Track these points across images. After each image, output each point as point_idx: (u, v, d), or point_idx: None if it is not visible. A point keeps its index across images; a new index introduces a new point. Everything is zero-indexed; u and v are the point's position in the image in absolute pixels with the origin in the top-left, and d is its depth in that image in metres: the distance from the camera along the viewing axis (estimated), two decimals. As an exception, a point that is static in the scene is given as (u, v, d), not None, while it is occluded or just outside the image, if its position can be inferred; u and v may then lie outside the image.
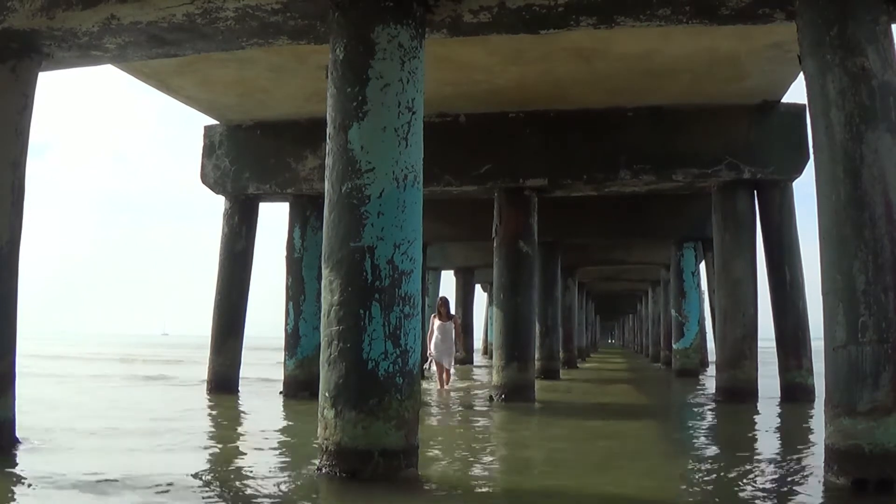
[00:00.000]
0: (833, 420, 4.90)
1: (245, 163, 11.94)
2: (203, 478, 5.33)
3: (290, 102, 10.85)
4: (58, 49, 6.32)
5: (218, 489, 4.95)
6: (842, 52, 5.01)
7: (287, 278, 11.96)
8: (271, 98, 10.78)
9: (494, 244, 11.65)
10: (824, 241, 5.06)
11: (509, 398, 10.96)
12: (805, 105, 5.49)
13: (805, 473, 5.55)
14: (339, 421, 4.98)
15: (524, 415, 10.04)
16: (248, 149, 11.94)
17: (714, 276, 13.02)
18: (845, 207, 4.94)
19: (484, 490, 5.21)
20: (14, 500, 4.65)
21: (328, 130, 5.36)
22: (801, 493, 4.97)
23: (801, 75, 5.38)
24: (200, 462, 5.97)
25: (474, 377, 17.90)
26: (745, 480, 5.39)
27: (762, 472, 5.76)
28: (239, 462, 6.22)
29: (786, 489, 5.09)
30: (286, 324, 11.87)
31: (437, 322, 13.21)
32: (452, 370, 14.16)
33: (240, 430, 8.60)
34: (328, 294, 5.19)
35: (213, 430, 8.47)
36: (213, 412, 10.12)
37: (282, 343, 12.06)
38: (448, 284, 28.02)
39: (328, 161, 5.33)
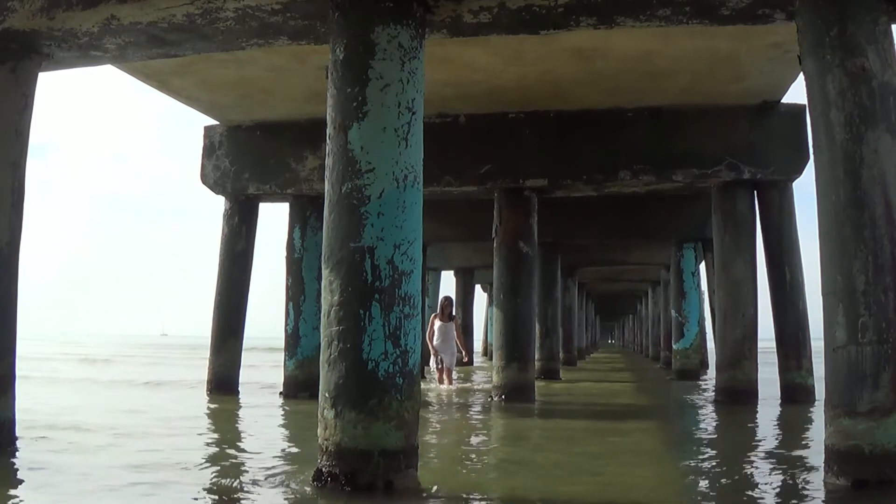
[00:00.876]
0: (833, 420, 4.90)
1: (245, 163, 11.94)
2: (202, 478, 5.33)
3: (290, 103, 10.85)
4: (58, 49, 6.32)
5: (216, 490, 4.95)
6: (842, 53, 5.01)
7: (287, 279, 11.97)
8: (271, 98, 10.78)
9: (494, 245, 11.65)
10: (824, 241, 5.06)
11: (509, 399, 10.95)
12: (805, 105, 5.49)
13: (805, 474, 5.54)
14: (339, 421, 4.98)
15: (524, 415, 10.04)
16: (248, 149, 11.94)
17: (714, 277, 13.02)
18: (845, 208, 4.94)
19: (484, 492, 5.21)
20: (14, 500, 4.65)
21: (328, 131, 5.36)
22: (800, 493, 4.97)
23: (801, 76, 5.38)
24: (199, 463, 5.96)
25: (474, 378, 17.89)
26: (744, 481, 5.39)
27: (762, 472, 5.76)
28: (238, 463, 6.22)
29: (785, 490, 5.09)
30: (286, 324, 11.87)
31: (437, 322, 13.14)
32: (455, 372, 14.06)
33: (239, 430, 8.60)
34: (328, 294, 5.18)
35: (212, 430, 8.47)
36: (213, 413, 10.12)
37: (282, 343, 12.07)
38: (448, 285, 28.05)
39: (328, 161, 5.33)
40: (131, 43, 6.22)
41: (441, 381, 13.30)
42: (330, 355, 5.10)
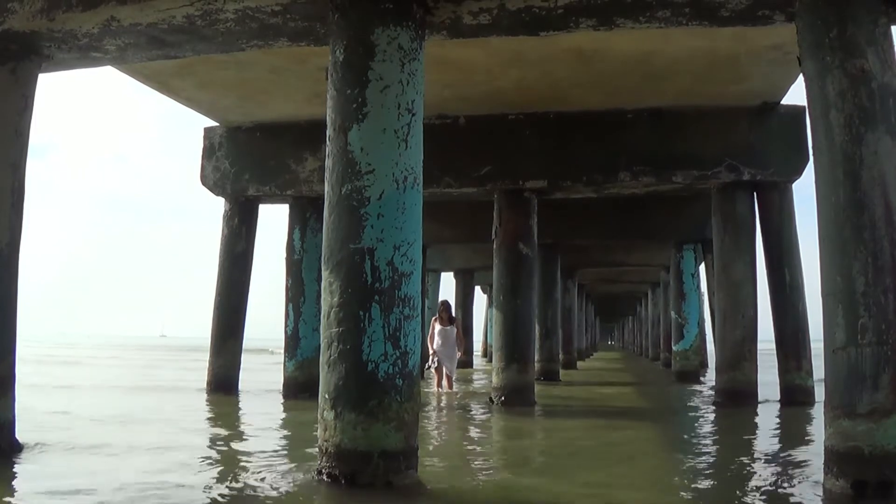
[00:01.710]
0: (833, 422, 4.90)
1: (245, 164, 11.95)
2: (200, 480, 5.32)
3: (290, 104, 10.86)
4: (58, 50, 6.33)
5: (215, 492, 4.95)
6: (841, 54, 5.01)
7: (287, 280, 11.97)
8: (271, 100, 10.78)
9: (494, 246, 11.65)
10: (824, 242, 5.06)
11: (509, 400, 10.94)
12: (805, 107, 5.49)
13: (804, 475, 5.54)
14: (339, 422, 4.98)
15: (524, 417, 10.03)
16: (248, 150, 11.95)
17: (714, 278, 13.00)
18: (845, 209, 4.94)
19: (484, 493, 5.21)
20: (14, 500, 4.65)
21: (328, 132, 5.36)
22: (800, 494, 4.97)
23: (801, 77, 5.38)
24: (198, 464, 5.96)
25: (474, 379, 17.88)
26: (744, 482, 5.39)
27: (761, 473, 5.76)
28: (237, 464, 6.21)
29: (785, 491, 5.09)
30: (286, 325, 11.87)
31: (437, 326, 12.82)
32: (455, 376, 13.70)
33: (238, 432, 8.59)
34: (328, 296, 5.19)
35: (210, 431, 8.46)
36: (213, 413, 10.12)
37: (281, 345, 12.07)
38: (448, 286, 28.04)
39: (328, 163, 5.34)
40: (131, 44, 6.23)
41: (439, 384, 12.92)
42: (330, 356, 5.10)
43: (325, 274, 5.26)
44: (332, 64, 5.36)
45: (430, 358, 12.82)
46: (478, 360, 28.28)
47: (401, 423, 5.01)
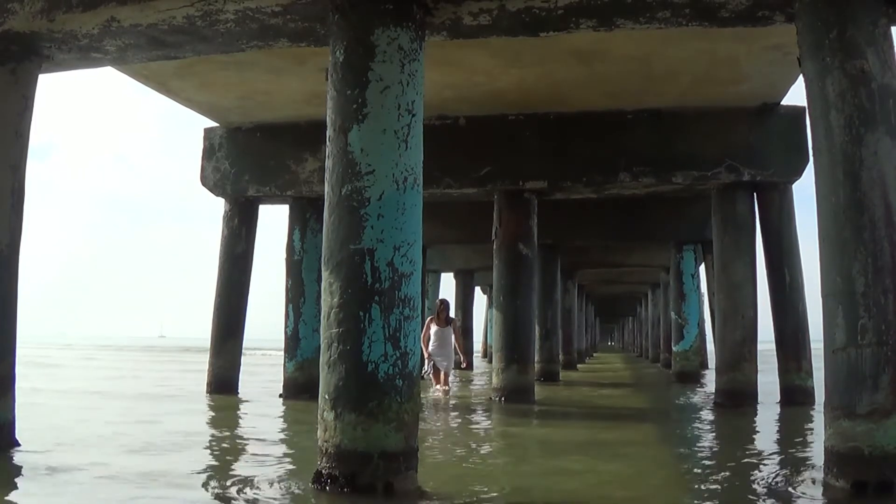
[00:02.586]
0: (832, 422, 4.90)
1: (245, 165, 11.96)
2: (199, 481, 5.32)
3: (290, 105, 10.86)
4: (58, 51, 6.33)
5: (215, 493, 4.94)
6: (841, 55, 5.01)
7: (287, 280, 11.97)
8: (271, 100, 10.78)
9: (494, 246, 11.66)
10: (824, 243, 5.06)
11: (509, 400, 10.95)
12: (804, 107, 5.49)
13: (804, 476, 5.54)
14: (339, 423, 4.97)
15: (524, 417, 10.03)
16: (248, 151, 11.95)
17: (714, 279, 13.01)
18: (845, 210, 4.94)
19: (483, 494, 5.20)
20: (14, 501, 4.65)
21: (328, 133, 5.36)
22: (800, 495, 4.96)
23: (801, 78, 5.38)
24: (197, 465, 5.95)
25: (473, 380, 17.88)
26: (744, 482, 5.39)
27: (761, 474, 5.75)
28: (238, 464, 6.21)
29: (785, 491, 5.09)
30: (286, 326, 11.87)
31: (434, 327, 12.32)
32: (452, 377, 13.34)
33: (238, 432, 8.59)
34: (328, 296, 5.18)
35: (211, 432, 8.46)
36: (212, 414, 10.12)
37: (281, 345, 12.07)
38: (448, 287, 28.03)
39: (328, 163, 5.33)
40: (131, 45, 6.23)
41: (437, 382, 12.50)
42: (330, 357, 5.10)
43: (324, 274, 5.26)
44: (332, 64, 5.36)
45: (426, 363, 12.11)
46: (478, 361, 28.28)
47: (401, 423, 5.01)
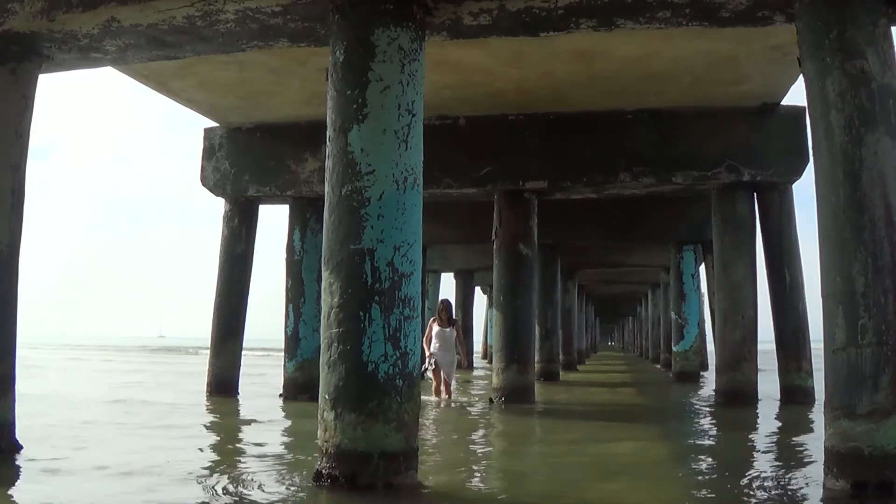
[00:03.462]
0: (832, 422, 4.90)
1: (245, 165, 11.96)
2: (199, 481, 5.32)
3: (290, 105, 10.86)
4: (58, 51, 6.33)
5: (215, 493, 4.94)
6: (841, 55, 5.01)
7: (287, 280, 11.97)
8: (271, 100, 10.78)
9: (494, 246, 11.65)
10: (824, 243, 5.06)
11: (509, 401, 10.95)
12: (805, 107, 5.49)
13: (804, 476, 5.54)
14: (339, 423, 4.98)
15: (524, 417, 10.03)
16: (248, 151, 11.95)
17: (714, 279, 13.01)
18: (845, 210, 4.94)
19: (483, 494, 5.21)
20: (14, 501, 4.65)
21: (328, 133, 5.36)
22: (800, 495, 4.96)
23: (801, 78, 5.38)
24: (197, 465, 5.95)
25: (473, 380, 17.88)
26: (743, 483, 5.39)
27: (761, 474, 5.75)
28: (238, 465, 6.21)
29: (785, 492, 5.09)
30: (286, 326, 11.87)
31: (436, 328, 11.70)
32: (454, 383, 12.39)
33: (238, 432, 8.59)
34: (328, 296, 5.19)
35: (210, 433, 8.46)
36: (212, 414, 10.11)
37: (281, 345, 12.06)
38: (448, 287, 28.04)
39: (328, 163, 5.34)
40: (131, 45, 6.23)
41: (437, 393, 11.61)
42: (330, 357, 5.10)
43: (325, 274, 5.26)
44: (333, 65, 5.36)
45: (427, 360, 11.49)
46: (478, 361, 28.28)
47: (401, 423, 5.01)
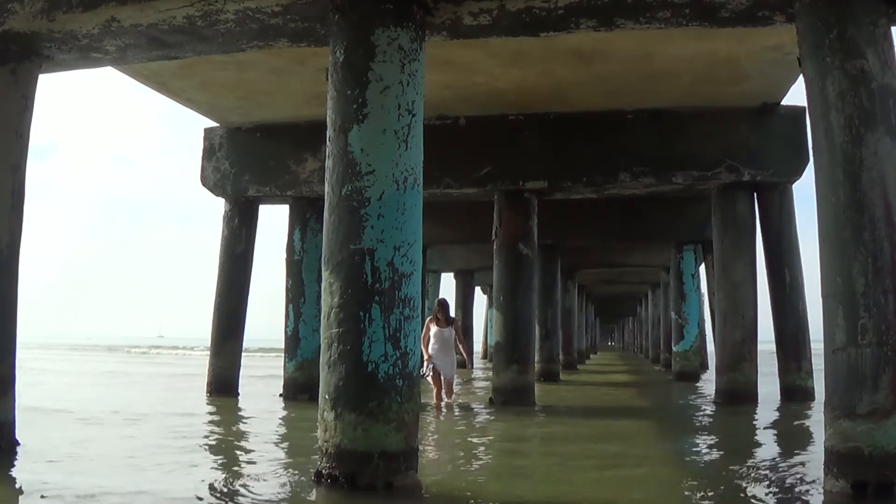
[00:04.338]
0: (832, 422, 4.90)
1: (245, 165, 11.96)
2: (199, 482, 5.32)
3: (290, 105, 10.86)
4: (58, 51, 6.33)
5: (215, 493, 4.94)
6: (841, 55, 5.01)
7: (287, 280, 11.98)
8: (271, 100, 10.78)
9: (494, 246, 11.65)
10: (824, 243, 5.06)
11: (509, 401, 10.94)
12: (805, 107, 5.49)
13: (804, 476, 5.54)
14: (339, 423, 4.98)
15: (524, 418, 10.02)
16: (248, 151, 11.95)
17: (714, 279, 13.02)
18: (845, 210, 4.94)
19: (483, 494, 5.20)
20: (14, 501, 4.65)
21: (328, 133, 5.36)
22: (800, 495, 4.96)
23: (801, 78, 5.38)
24: (197, 466, 5.96)
25: (473, 380, 17.87)
26: (743, 483, 5.39)
27: (761, 474, 5.75)
28: (238, 465, 6.22)
29: (785, 492, 5.09)
30: (286, 326, 11.87)
31: (433, 328, 11.22)
32: (456, 384, 11.94)
33: (238, 432, 8.59)
34: (328, 296, 5.19)
35: (211, 433, 8.46)
36: (212, 415, 10.11)
37: (281, 345, 12.06)
38: (448, 287, 28.05)
39: (328, 163, 5.34)
40: (131, 45, 6.23)
41: (438, 397, 11.14)
42: (330, 357, 5.10)
43: (325, 275, 5.26)
44: (333, 65, 5.36)
45: (425, 365, 10.97)
46: (478, 361, 28.29)
47: (401, 423, 5.01)
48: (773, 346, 11.47)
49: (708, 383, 15.65)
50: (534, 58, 9.08)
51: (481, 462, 6.67)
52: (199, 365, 16.05)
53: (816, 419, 8.65)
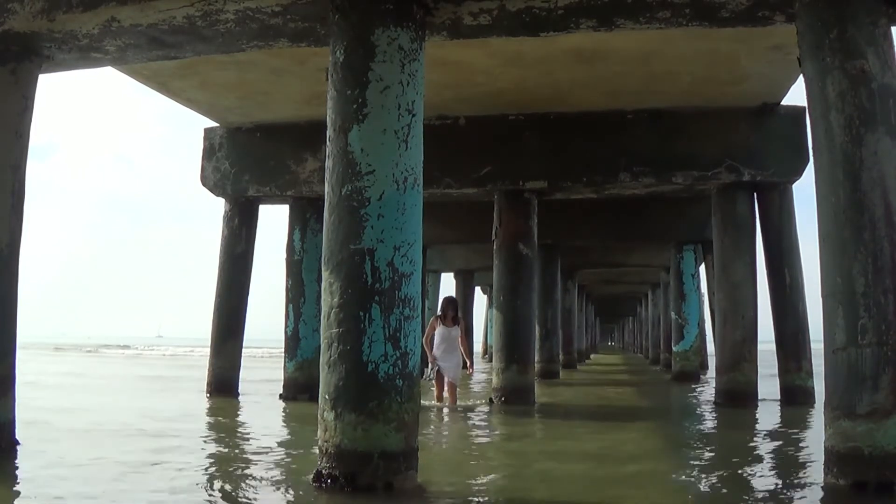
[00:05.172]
0: (833, 422, 4.90)
1: (245, 165, 11.96)
2: (202, 480, 5.32)
3: (290, 105, 10.86)
4: (58, 51, 6.33)
5: (216, 492, 4.94)
6: (841, 55, 5.01)
7: (287, 280, 11.98)
8: (271, 100, 10.79)
9: (494, 246, 11.65)
10: (824, 243, 5.06)
11: (509, 401, 10.94)
12: (805, 107, 5.49)
13: (804, 476, 5.55)
14: (339, 423, 4.98)
15: (524, 418, 10.03)
16: (248, 151, 11.95)
17: (714, 279, 13.01)
18: (845, 210, 4.94)
19: (483, 494, 5.21)
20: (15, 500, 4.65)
21: (328, 133, 5.36)
22: (800, 495, 4.97)
23: (801, 78, 5.39)
24: (196, 466, 5.96)
25: (474, 380, 17.87)
26: (744, 482, 5.39)
27: (761, 474, 5.76)
28: (238, 465, 6.21)
29: (785, 492, 5.09)
30: (286, 326, 11.87)
31: (439, 328, 10.93)
32: (458, 385, 11.39)
33: (238, 432, 8.59)
34: (328, 296, 5.19)
35: (211, 433, 8.46)
36: (212, 415, 10.11)
37: (281, 345, 12.06)
38: (448, 287, 28.03)
39: (328, 163, 5.34)
40: (131, 45, 6.23)
41: (440, 399, 10.90)
42: (330, 357, 5.10)
43: (325, 275, 5.26)
44: (333, 65, 5.36)
45: (430, 365, 10.77)
46: (478, 361, 28.29)
47: (401, 423, 5.01)
48: (773, 346, 11.46)
49: (708, 383, 15.66)
50: (534, 58, 9.08)
51: (481, 462, 6.67)
52: (199, 365, 16.04)
53: (816, 419, 8.66)
